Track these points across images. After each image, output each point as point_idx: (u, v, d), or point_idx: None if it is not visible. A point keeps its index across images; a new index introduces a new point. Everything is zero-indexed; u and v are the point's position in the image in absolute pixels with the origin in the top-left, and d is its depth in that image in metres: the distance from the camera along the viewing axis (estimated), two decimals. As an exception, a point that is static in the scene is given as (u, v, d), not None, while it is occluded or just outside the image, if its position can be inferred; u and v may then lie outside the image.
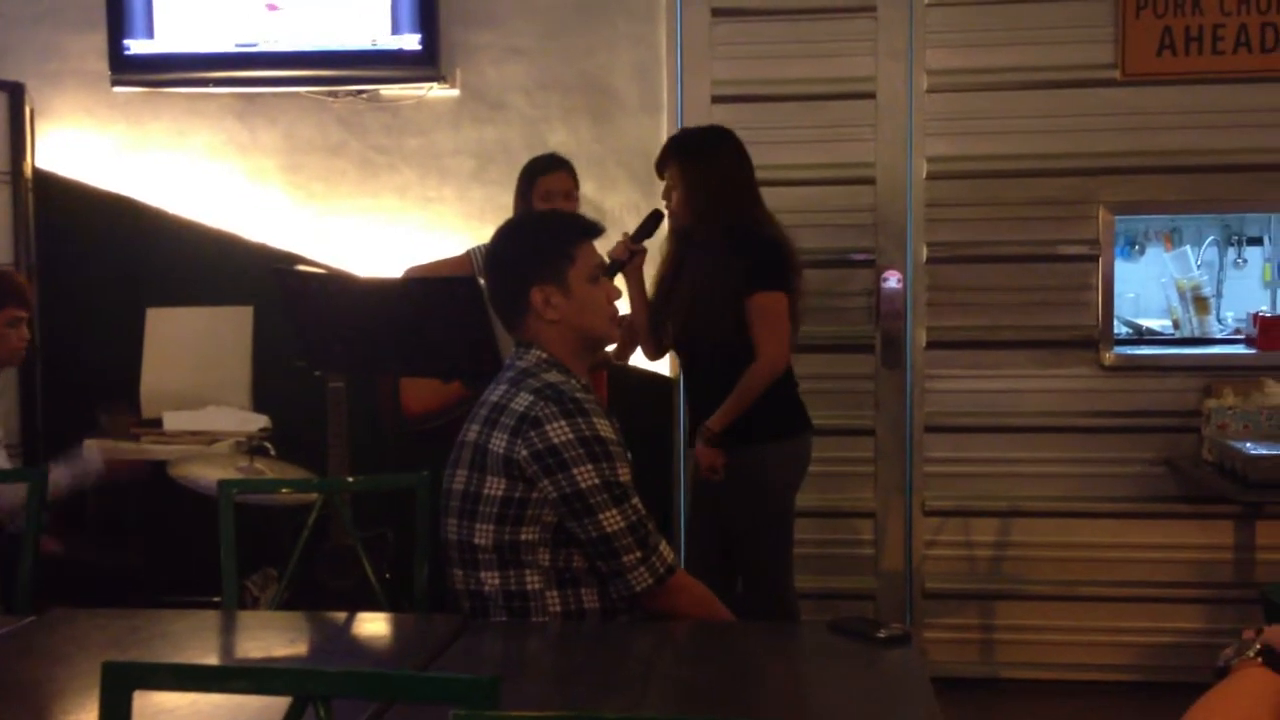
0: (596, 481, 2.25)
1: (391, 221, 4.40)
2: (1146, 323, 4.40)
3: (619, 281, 3.33)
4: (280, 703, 1.43)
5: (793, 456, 3.42)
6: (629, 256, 3.41)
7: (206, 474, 3.59)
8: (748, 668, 2.08)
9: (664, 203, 3.46)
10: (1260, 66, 3.98)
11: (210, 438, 4.05)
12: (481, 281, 2.87)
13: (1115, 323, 4.15)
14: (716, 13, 4.18)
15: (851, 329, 4.17)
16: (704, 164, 3.36)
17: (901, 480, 4.21)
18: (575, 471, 2.25)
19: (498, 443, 2.29)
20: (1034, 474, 4.14)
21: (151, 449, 4.01)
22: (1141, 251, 4.44)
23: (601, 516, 2.25)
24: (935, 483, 4.18)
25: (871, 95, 4.15)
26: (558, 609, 2.30)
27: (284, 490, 3.13)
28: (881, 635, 2.09)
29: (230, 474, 3.51)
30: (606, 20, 4.27)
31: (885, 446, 4.21)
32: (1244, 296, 4.38)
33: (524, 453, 2.26)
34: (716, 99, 4.18)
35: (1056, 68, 4.06)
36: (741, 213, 3.35)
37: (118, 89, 4.37)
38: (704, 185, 3.34)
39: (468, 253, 3.89)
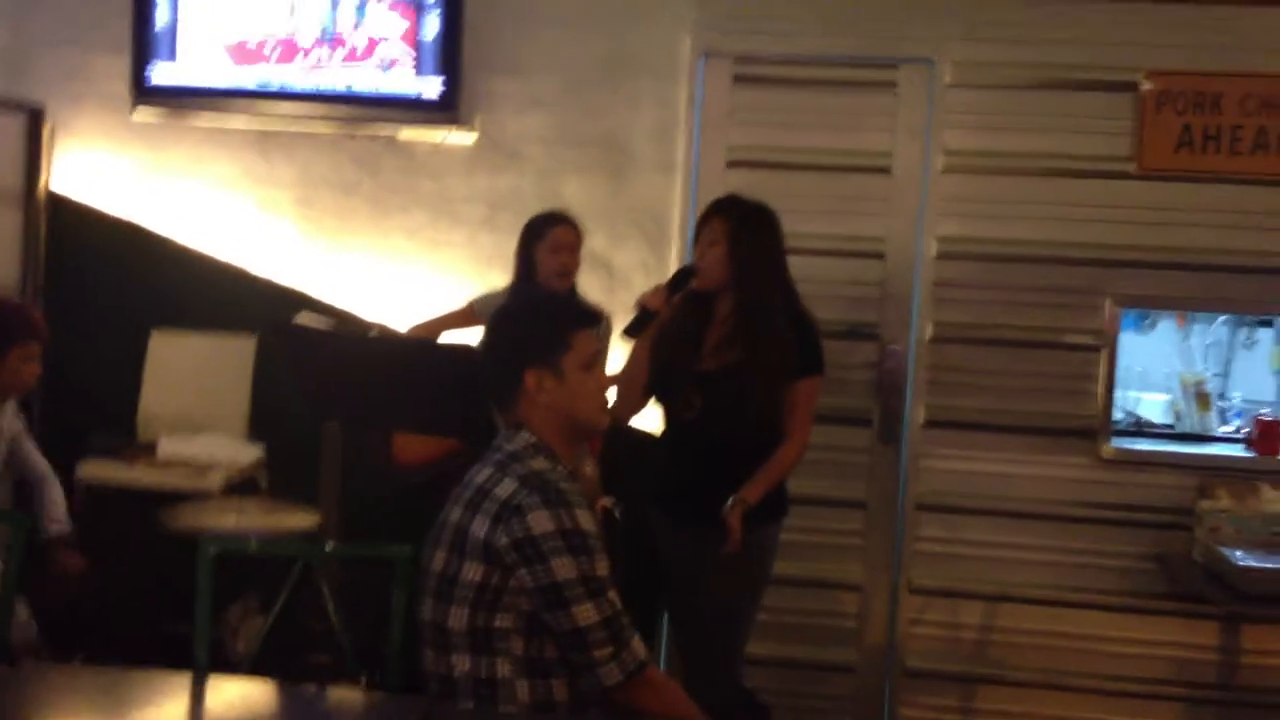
0: (573, 575, 2.25)
1: (400, 262, 4.42)
2: (1149, 397, 4.36)
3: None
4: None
5: (779, 535, 3.41)
6: (662, 309, 3.24)
7: (201, 523, 3.59)
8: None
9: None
10: (1277, 170, 3.97)
11: (203, 466, 4.06)
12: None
13: (1115, 412, 4.14)
14: (739, 79, 4.18)
15: (850, 401, 4.15)
16: (757, 233, 3.28)
17: (889, 556, 4.19)
18: (553, 563, 2.25)
19: (479, 527, 2.29)
20: (1024, 560, 4.11)
21: (142, 477, 4.02)
22: (1153, 325, 4.42)
23: (575, 610, 2.25)
24: (923, 561, 4.16)
25: (887, 170, 4.15)
26: (527, 699, 2.29)
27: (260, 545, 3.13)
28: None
29: (223, 522, 3.52)
30: (629, 78, 4.28)
31: (875, 521, 4.19)
32: (1252, 378, 4.35)
33: (504, 540, 2.26)
34: (732, 163, 4.18)
35: (1073, 156, 4.04)
36: (788, 290, 3.32)
37: (138, 112, 4.40)
38: (755, 253, 3.25)
39: (469, 303, 3.90)
